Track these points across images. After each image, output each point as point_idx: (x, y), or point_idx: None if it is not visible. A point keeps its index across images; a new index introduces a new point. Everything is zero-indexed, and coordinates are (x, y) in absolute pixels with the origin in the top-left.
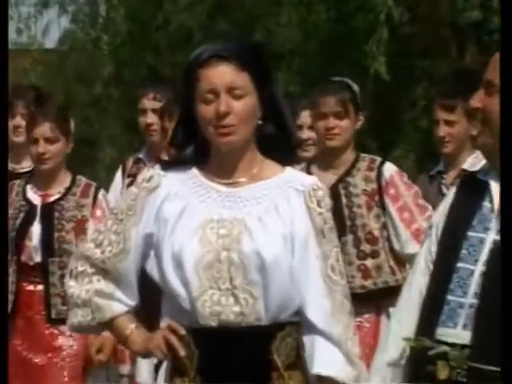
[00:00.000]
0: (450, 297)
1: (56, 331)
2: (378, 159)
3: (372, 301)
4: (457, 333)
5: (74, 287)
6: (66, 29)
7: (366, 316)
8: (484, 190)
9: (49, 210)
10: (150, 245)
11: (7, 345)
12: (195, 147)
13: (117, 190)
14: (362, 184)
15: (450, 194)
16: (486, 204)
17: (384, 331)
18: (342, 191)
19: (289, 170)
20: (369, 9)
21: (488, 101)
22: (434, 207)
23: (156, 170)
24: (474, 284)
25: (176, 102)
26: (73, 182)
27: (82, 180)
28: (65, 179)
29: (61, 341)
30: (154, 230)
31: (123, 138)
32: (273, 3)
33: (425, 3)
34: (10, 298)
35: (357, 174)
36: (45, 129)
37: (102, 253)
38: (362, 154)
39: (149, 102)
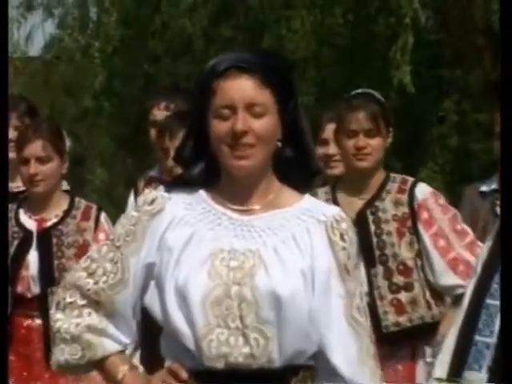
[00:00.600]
0: (477, 337)
1: None
2: (410, 179)
3: (406, 341)
4: (482, 376)
5: (61, 320)
6: (51, 35)
7: (400, 359)
8: None
9: (46, 235)
10: (151, 276)
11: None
12: (204, 167)
13: None
14: (391, 208)
15: (498, 222)
16: None
17: (423, 379)
18: (371, 217)
19: (308, 198)
20: (391, 11)
21: None
22: (484, 228)
23: (159, 191)
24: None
25: (184, 116)
26: (72, 205)
27: (82, 202)
28: (62, 201)
29: (62, 382)
30: (156, 259)
31: (115, 157)
32: (283, 6)
33: (455, 6)
34: None
35: (386, 197)
36: (36, 147)
37: (96, 283)
38: (393, 174)
39: (160, 113)
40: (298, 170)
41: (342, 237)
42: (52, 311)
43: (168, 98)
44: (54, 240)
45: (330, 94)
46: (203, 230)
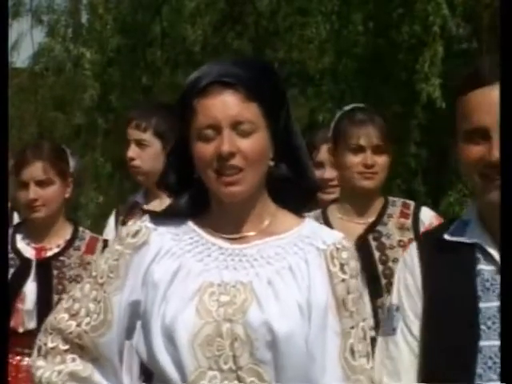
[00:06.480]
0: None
1: None
2: (412, 203)
3: None
4: None
5: (43, 368)
6: (40, 44)
7: None
8: None
9: (46, 266)
10: (137, 315)
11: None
12: (192, 194)
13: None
14: (396, 234)
15: None
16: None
17: None
18: (373, 243)
19: (308, 222)
20: (416, 18)
21: None
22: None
23: (144, 222)
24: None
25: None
26: (75, 234)
27: (87, 233)
28: (65, 230)
29: None
30: (140, 296)
31: (111, 179)
32: (296, 12)
33: (486, 13)
34: None
35: (389, 221)
36: (36, 169)
37: (78, 325)
38: (392, 198)
39: (132, 132)
40: (294, 189)
41: (341, 268)
42: (33, 357)
43: (140, 115)
44: (55, 272)
45: None
46: (191, 262)
